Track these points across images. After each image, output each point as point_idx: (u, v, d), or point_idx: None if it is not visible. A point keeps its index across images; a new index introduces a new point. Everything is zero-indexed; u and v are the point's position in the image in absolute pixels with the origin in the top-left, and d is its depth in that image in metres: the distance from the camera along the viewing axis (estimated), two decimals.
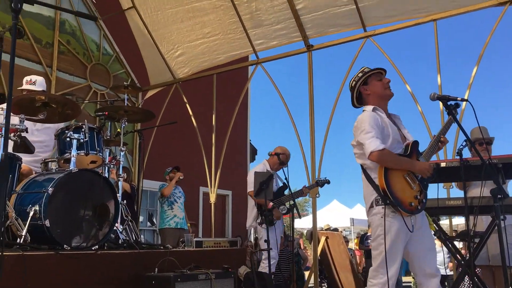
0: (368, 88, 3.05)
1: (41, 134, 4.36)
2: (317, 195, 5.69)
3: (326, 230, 10.12)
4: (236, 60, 7.16)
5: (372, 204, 2.84)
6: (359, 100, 3.14)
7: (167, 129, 7.58)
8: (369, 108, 2.98)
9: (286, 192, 5.14)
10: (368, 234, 9.10)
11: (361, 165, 2.97)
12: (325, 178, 5.58)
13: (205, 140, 7.11)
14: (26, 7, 6.19)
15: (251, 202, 5.32)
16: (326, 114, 6.07)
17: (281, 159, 5.13)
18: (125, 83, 4.41)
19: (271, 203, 4.96)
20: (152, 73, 7.70)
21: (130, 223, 4.15)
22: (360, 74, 3.09)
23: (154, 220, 10.12)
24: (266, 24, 6.43)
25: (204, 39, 6.96)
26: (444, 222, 9.21)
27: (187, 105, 7.29)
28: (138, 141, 4.46)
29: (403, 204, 2.73)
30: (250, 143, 13.29)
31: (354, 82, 3.10)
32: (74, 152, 3.60)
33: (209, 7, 6.62)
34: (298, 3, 6.05)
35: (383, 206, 2.74)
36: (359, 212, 14.65)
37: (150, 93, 7.77)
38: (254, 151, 13.86)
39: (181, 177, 6.85)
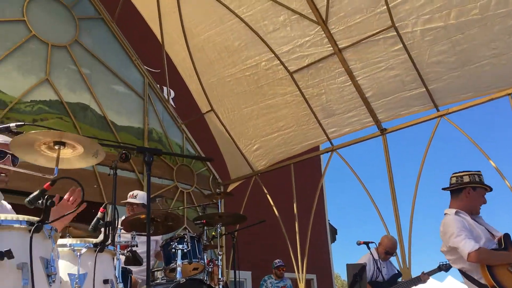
0: (472, 195, 3.12)
1: (143, 245, 4.71)
2: None
3: None
4: (311, 148, 7.44)
5: None
6: (454, 191, 3.20)
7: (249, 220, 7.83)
8: (451, 211, 3.05)
9: (400, 279, 5.08)
10: None
11: (460, 270, 2.98)
12: (447, 262, 5.05)
13: (287, 226, 7.27)
14: (118, 121, 6.87)
15: None
16: (407, 195, 6.07)
17: (385, 248, 5.15)
18: (217, 190, 4.73)
19: None
20: (232, 168, 8.11)
21: None
22: (477, 179, 3.15)
23: None
24: (338, 113, 6.71)
25: (279, 132, 7.33)
26: None
27: (268, 196, 7.56)
28: (231, 242, 4.73)
29: None
30: (329, 223, 13.24)
31: (468, 178, 3.16)
32: (179, 261, 3.87)
33: (281, 102, 7.04)
34: (367, 92, 6.32)
35: None
36: None
37: (231, 187, 8.14)
38: (334, 231, 13.74)
39: None
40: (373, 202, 6.33)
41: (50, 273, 1.51)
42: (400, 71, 5.96)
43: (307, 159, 7.49)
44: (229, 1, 6.37)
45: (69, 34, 6.74)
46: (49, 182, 1.62)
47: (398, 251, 5.73)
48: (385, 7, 5.51)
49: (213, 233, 4.74)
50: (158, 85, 7.87)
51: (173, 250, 3.92)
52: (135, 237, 3.82)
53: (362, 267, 4.62)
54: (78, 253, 1.90)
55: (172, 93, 8.89)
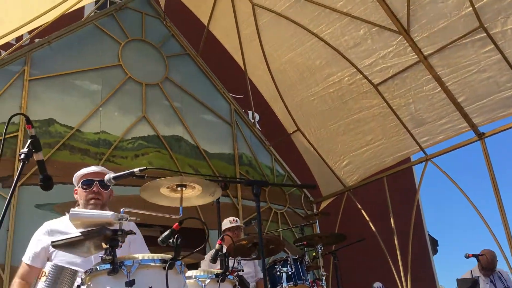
0: None
1: (246, 267, 4.87)
2: None
3: None
4: (402, 160, 7.25)
5: None
6: None
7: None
8: None
9: None
10: None
11: None
12: None
13: (385, 242, 7.11)
14: (210, 149, 7.15)
15: None
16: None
17: (482, 264, 4.88)
18: (315, 211, 4.78)
19: None
20: (323, 185, 8.11)
21: None
22: None
23: None
24: (429, 121, 6.51)
25: (368, 146, 7.24)
26: None
27: (362, 211, 7.45)
28: (332, 261, 4.74)
29: None
30: (429, 234, 12.69)
31: None
32: (285, 284, 3.96)
33: (368, 116, 6.96)
34: (459, 97, 6.08)
35: None
36: None
37: (324, 204, 8.13)
38: (434, 243, 13.14)
39: None
40: (477, 212, 6.02)
41: None
42: (493, 73, 5.68)
43: (398, 171, 7.30)
44: (307, 22, 6.49)
45: (160, 73, 7.20)
46: (177, 223, 1.77)
47: (510, 260, 5.38)
48: (471, 8, 5.31)
49: (314, 254, 4.77)
50: (244, 110, 8.13)
51: (278, 273, 4.01)
52: (240, 262, 3.96)
53: (474, 281, 4.40)
54: (203, 284, 2.04)
55: (257, 117, 9.11)
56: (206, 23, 7.48)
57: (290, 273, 4.00)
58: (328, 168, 7.76)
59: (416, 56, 6.02)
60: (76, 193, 2.88)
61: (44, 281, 1.57)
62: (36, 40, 6.28)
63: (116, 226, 1.62)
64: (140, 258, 1.64)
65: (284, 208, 7.87)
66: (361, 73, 6.57)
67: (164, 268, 1.63)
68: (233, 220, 5.03)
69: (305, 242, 4.35)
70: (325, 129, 7.45)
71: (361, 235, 8.11)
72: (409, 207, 7.03)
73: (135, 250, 2.34)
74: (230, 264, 4.08)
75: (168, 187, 1.84)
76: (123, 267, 1.59)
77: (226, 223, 5.09)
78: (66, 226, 2.59)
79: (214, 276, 2.05)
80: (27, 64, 5.99)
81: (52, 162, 5.84)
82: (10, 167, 5.51)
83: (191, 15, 7.62)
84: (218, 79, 7.81)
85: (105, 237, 1.57)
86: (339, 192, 7.91)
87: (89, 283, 1.64)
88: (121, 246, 1.61)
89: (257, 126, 8.70)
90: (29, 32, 6.06)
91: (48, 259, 2.46)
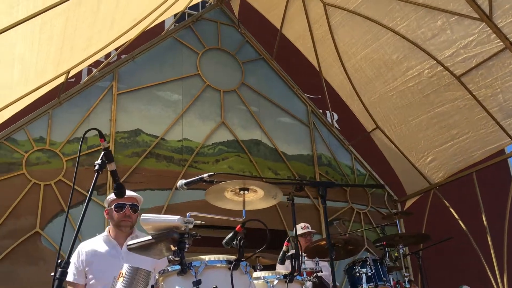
0: None
1: (325, 269, 4.86)
2: None
3: None
4: (493, 153, 6.81)
5: None
6: None
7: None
8: None
9: None
10: None
11: None
12: None
13: (477, 241, 6.71)
14: (288, 151, 7.18)
15: None
16: None
17: None
18: (394, 210, 4.66)
19: None
20: (407, 183, 7.84)
21: None
22: None
23: None
24: None
25: (454, 140, 6.89)
26: None
27: (451, 209, 7.11)
28: (417, 262, 4.57)
29: None
30: None
31: None
32: (365, 285, 3.90)
33: (452, 109, 6.63)
34: None
35: None
36: None
37: (409, 203, 7.85)
38: None
39: None
40: None
41: None
42: None
43: (490, 165, 6.86)
44: (381, 16, 6.33)
45: (237, 78, 7.40)
46: (239, 225, 1.85)
47: None
48: None
49: (396, 254, 4.65)
50: (321, 111, 8.10)
51: (357, 274, 3.97)
52: (318, 263, 3.97)
53: None
54: (271, 285, 2.10)
55: (336, 116, 9.02)
56: (279, 27, 7.56)
57: (370, 274, 3.94)
58: (411, 166, 7.49)
59: (501, 43, 5.63)
60: (107, 213, 3.12)
61: (122, 282, 1.72)
62: (122, 56, 6.74)
63: (183, 230, 1.73)
64: (207, 259, 1.74)
65: (367, 208, 7.71)
66: (442, 65, 6.27)
67: (229, 268, 1.71)
68: (304, 226, 5.10)
69: (384, 242, 4.25)
70: (406, 125, 7.20)
71: (449, 234, 7.76)
72: (503, 203, 6.57)
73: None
74: (310, 265, 4.13)
75: (231, 191, 1.92)
76: (191, 267, 1.70)
77: (298, 229, 5.16)
78: (97, 245, 3.02)
79: (282, 277, 2.09)
80: (115, 79, 6.46)
81: (140, 170, 6.24)
82: (104, 176, 5.94)
83: (264, 20, 7.75)
84: (293, 81, 7.87)
85: (173, 240, 1.69)
86: (424, 190, 7.60)
87: (162, 283, 1.77)
88: (188, 249, 1.72)
89: (336, 125, 8.62)
90: (116, 49, 6.53)
91: (86, 276, 2.85)
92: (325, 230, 2.41)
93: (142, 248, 1.73)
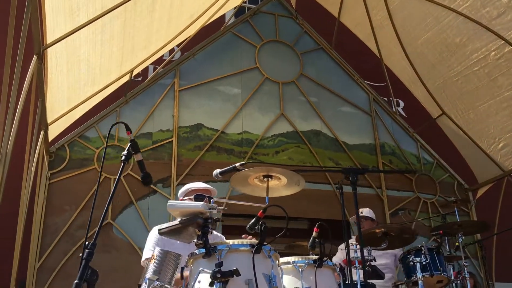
0: None
1: (382, 258, 4.79)
2: None
3: None
4: None
5: None
6: None
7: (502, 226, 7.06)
8: None
9: None
10: None
11: None
12: None
13: None
14: (349, 141, 7.09)
15: None
16: None
17: None
18: (452, 198, 4.51)
19: None
20: (478, 171, 7.48)
21: None
22: None
23: None
24: None
25: None
26: None
27: None
28: (479, 253, 4.37)
29: None
30: None
31: None
32: (419, 275, 3.83)
33: None
34: None
35: None
36: None
37: (481, 191, 7.48)
38: None
39: None
40: None
41: (273, 287, 1.80)
42: None
43: None
44: None
45: (295, 70, 7.42)
46: (261, 210, 1.93)
47: None
48: None
49: (457, 244, 4.49)
50: (385, 98, 7.91)
51: (411, 263, 3.90)
52: (371, 252, 3.94)
53: None
54: (301, 269, 2.16)
55: (402, 103, 8.76)
56: (336, 15, 7.48)
57: (424, 263, 3.85)
58: (482, 152, 7.12)
59: None
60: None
61: (153, 263, 1.86)
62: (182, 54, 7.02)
63: (209, 215, 1.83)
64: (231, 243, 1.83)
65: (435, 197, 7.44)
66: (511, 44, 5.91)
67: (251, 252, 1.79)
68: (361, 212, 4.99)
69: (441, 231, 4.12)
70: (473, 110, 6.86)
71: None
72: None
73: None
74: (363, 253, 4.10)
75: (255, 178, 2.00)
76: (216, 251, 1.80)
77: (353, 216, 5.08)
78: None
79: (312, 262, 2.14)
80: (176, 76, 6.75)
81: (202, 163, 6.48)
82: (168, 169, 6.28)
83: (321, 10, 7.69)
84: (354, 70, 7.75)
85: (197, 224, 1.80)
86: (498, 177, 7.20)
87: (191, 265, 1.90)
88: (211, 233, 1.83)
89: (402, 113, 8.38)
90: (177, 45, 6.80)
91: None
92: (356, 219, 2.41)
93: (172, 232, 1.86)
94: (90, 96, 5.38)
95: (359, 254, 4.00)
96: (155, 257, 1.85)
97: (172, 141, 6.41)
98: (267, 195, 1.97)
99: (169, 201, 1.87)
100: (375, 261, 4.01)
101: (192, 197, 3.04)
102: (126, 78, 5.96)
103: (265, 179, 1.96)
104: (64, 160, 5.89)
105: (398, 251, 4.61)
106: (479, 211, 7.39)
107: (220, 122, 6.74)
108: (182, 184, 6.19)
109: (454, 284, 4.13)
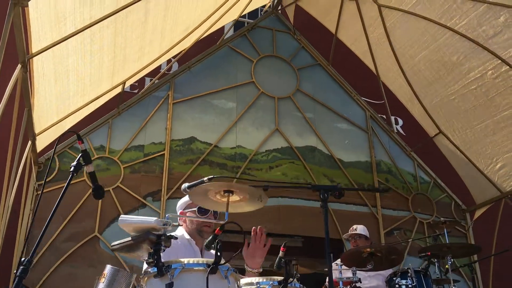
0: None
1: (373, 280, 4.67)
2: None
3: None
4: None
5: None
6: None
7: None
8: None
9: None
10: None
11: None
12: None
13: None
14: (345, 158, 7.00)
15: None
16: None
17: None
18: (442, 218, 4.39)
19: None
20: (476, 191, 7.34)
21: None
22: None
23: None
24: None
25: None
26: None
27: None
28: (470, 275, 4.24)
29: None
30: None
31: None
32: None
33: None
34: None
35: None
36: None
37: (478, 213, 7.34)
38: None
39: None
40: None
41: None
42: None
43: None
44: (439, 16, 6.03)
45: (291, 85, 7.37)
46: (218, 227, 1.84)
47: None
48: None
49: (447, 266, 4.36)
50: (384, 116, 7.83)
51: (397, 285, 3.77)
52: (355, 273, 3.83)
53: None
54: None
55: (400, 122, 8.67)
56: (334, 31, 7.45)
57: (411, 286, 3.73)
58: (479, 173, 7.00)
59: None
60: (183, 215, 2.86)
61: (103, 282, 1.78)
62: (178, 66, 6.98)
63: (162, 231, 1.75)
64: (186, 262, 1.75)
65: (431, 218, 7.30)
66: (507, 64, 5.83)
67: (206, 272, 1.70)
68: (352, 228, 4.87)
69: (428, 253, 3.99)
70: (471, 129, 6.76)
71: None
72: None
73: None
74: (348, 275, 3.99)
75: (216, 193, 1.92)
76: (169, 270, 1.72)
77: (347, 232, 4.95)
78: (177, 245, 2.61)
79: (276, 283, 2.04)
80: (171, 89, 6.71)
81: (195, 177, 6.34)
82: (159, 182, 6.19)
83: (319, 26, 7.67)
84: (351, 86, 7.69)
85: (150, 241, 1.72)
86: (495, 199, 7.07)
87: (143, 284, 1.81)
88: (163, 250, 1.74)
89: (401, 131, 8.28)
90: (174, 57, 6.76)
91: None
92: (325, 236, 2.31)
93: (125, 249, 1.78)
94: (80, 107, 5.33)
95: (343, 275, 3.92)
96: (105, 275, 1.77)
97: (163, 154, 6.34)
98: (227, 210, 1.89)
99: (121, 216, 1.79)
100: (360, 282, 3.90)
101: (196, 209, 2.76)
102: (118, 90, 5.92)
103: (225, 194, 1.88)
104: (53, 171, 5.83)
105: (384, 272, 4.49)
106: (477, 233, 7.24)
107: (213, 136, 6.68)
108: (173, 198, 6.12)
109: None
